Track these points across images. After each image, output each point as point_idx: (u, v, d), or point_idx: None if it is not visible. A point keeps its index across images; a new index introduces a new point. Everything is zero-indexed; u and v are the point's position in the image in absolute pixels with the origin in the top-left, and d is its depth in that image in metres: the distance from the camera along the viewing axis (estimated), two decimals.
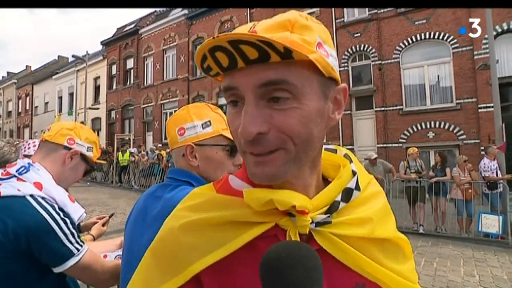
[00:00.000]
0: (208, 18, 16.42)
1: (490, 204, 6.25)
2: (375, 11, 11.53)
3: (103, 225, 1.52)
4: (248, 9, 14.77)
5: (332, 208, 0.45)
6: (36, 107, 28.25)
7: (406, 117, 10.88)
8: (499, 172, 6.26)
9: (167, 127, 1.00)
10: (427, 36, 10.69)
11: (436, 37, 10.56)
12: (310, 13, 12.80)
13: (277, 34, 0.39)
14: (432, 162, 7.38)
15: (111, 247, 1.34)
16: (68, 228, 1.00)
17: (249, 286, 0.43)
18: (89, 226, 1.54)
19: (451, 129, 10.13)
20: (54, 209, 1.00)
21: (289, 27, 0.41)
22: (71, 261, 0.98)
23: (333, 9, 12.36)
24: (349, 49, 11.92)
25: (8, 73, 37.34)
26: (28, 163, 1.07)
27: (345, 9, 12.23)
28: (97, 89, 22.63)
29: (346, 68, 11.85)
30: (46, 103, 27.06)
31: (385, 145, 11.09)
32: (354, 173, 0.49)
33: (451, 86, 10.35)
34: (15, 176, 1.02)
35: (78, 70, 23.15)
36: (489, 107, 8.73)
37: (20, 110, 30.59)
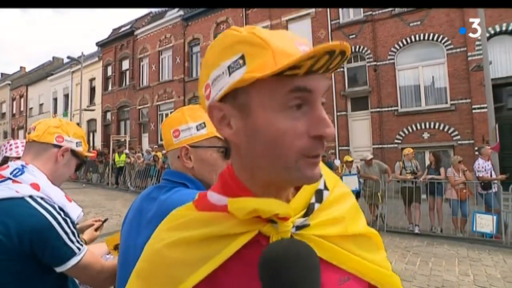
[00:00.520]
0: (204, 20, 16.42)
1: (484, 204, 6.32)
2: (370, 12, 11.61)
3: (96, 230, 1.50)
4: (244, 10, 14.80)
5: (309, 211, 0.47)
6: (31, 108, 28.02)
7: (401, 118, 10.95)
8: (493, 172, 6.33)
9: (163, 130, 1.00)
10: (421, 38, 10.79)
11: (430, 38, 10.66)
12: (305, 14, 12.93)
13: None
14: (427, 163, 7.42)
15: (103, 251, 1.34)
16: (69, 228, 1.00)
17: None
18: (84, 229, 1.52)
19: (445, 129, 10.21)
20: (55, 209, 1.00)
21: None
22: (73, 261, 0.98)
23: (328, 10, 12.41)
24: None
25: (2, 74, 37.00)
26: (22, 165, 1.07)
27: (340, 11, 12.30)
28: (92, 90, 22.53)
29: (341, 69, 11.90)
30: (41, 105, 26.89)
31: (380, 146, 11.15)
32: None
33: (445, 87, 10.45)
34: (10, 178, 1.02)
35: (73, 72, 23.02)
36: (482, 107, 8.83)
37: (14, 112, 30.30)
